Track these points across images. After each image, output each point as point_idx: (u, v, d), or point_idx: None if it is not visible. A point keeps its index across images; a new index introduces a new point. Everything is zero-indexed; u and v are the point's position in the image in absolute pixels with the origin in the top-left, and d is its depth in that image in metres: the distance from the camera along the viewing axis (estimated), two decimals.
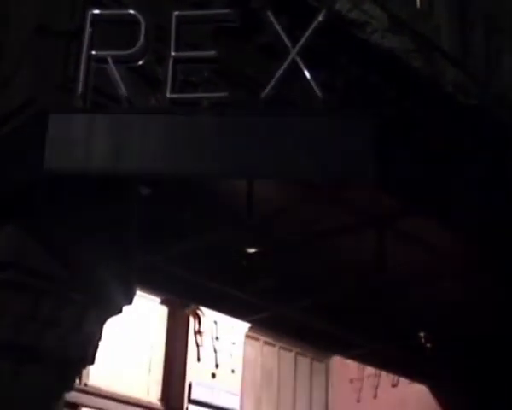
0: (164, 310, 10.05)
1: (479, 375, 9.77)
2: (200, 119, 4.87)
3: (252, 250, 7.26)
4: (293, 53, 4.73)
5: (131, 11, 5.09)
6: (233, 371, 10.05)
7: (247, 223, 6.73)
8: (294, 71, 4.79)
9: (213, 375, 9.87)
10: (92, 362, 6.07)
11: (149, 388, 9.79)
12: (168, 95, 4.88)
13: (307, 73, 4.74)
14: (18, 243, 5.57)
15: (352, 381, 11.73)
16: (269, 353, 11.26)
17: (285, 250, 7.49)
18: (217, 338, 9.90)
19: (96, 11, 5.05)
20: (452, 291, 8.31)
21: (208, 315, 9.78)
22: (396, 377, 11.09)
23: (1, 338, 5.60)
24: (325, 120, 4.76)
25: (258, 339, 10.96)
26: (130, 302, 6.12)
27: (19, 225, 5.53)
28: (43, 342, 5.66)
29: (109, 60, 4.97)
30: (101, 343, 6.15)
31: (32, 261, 5.60)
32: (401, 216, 7.12)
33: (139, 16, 5.04)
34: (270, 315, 8.92)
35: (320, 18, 4.80)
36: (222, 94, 4.92)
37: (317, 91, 4.72)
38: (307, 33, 4.78)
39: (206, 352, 9.82)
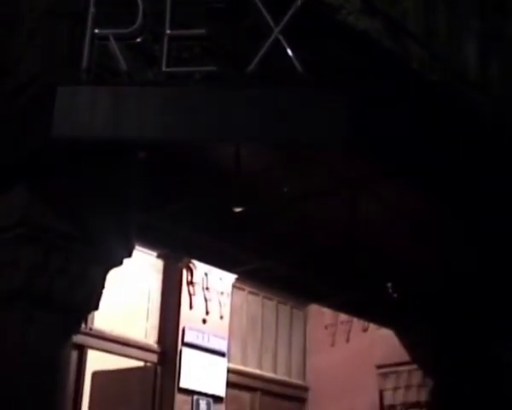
0: (160, 263, 10.06)
1: (438, 320, 9.85)
2: (192, 90, 4.87)
3: (238, 209, 7.25)
4: (276, 32, 4.73)
5: None
6: (221, 317, 10.08)
7: (234, 184, 6.71)
8: (277, 48, 4.79)
9: (204, 321, 9.89)
10: (96, 308, 6.09)
11: (147, 332, 9.83)
12: (163, 69, 4.88)
13: (289, 51, 4.74)
14: (31, 203, 5.57)
15: (327, 327, 11.78)
16: (253, 301, 11.30)
17: (268, 209, 7.50)
18: (207, 288, 9.92)
19: None
20: (417, 248, 8.35)
21: (199, 268, 9.79)
22: (366, 323, 11.13)
23: (16, 286, 5.62)
24: (304, 91, 4.77)
25: (243, 289, 10.99)
26: (129, 256, 6.14)
27: (31, 186, 5.53)
28: (53, 290, 5.67)
29: (111, 37, 4.97)
30: (104, 292, 6.17)
31: (43, 219, 5.60)
32: (373, 179, 7.13)
33: None
34: (254, 268, 8.93)
35: (299, 1, 4.80)
36: (211, 68, 4.92)
37: (298, 67, 4.72)
38: (288, 14, 4.77)
39: (197, 300, 9.84)
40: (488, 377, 10.12)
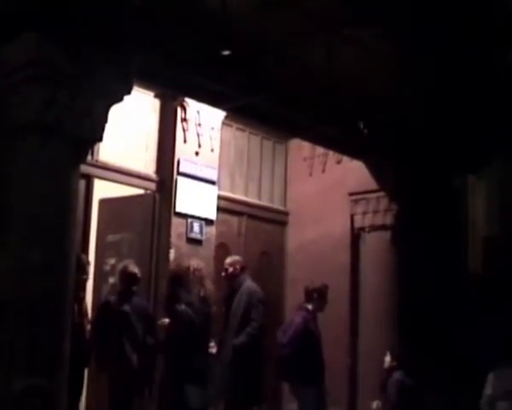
0: (157, 103, 10.01)
1: (402, 153, 9.98)
2: None
3: (226, 52, 7.18)
4: None
5: None
6: (212, 150, 10.09)
7: (221, 28, 6.61)
8: None
9: (197, 153, 9.92)
10: (100, 139, 6.15)
11: (146, 163, 9.89)
12: None
13: None
14: (40, 45, 5.54)
15: (305, 159, 11.79)
16: (240, 136, 11.31)
17: (253, 52, 7.42)
18: (199, 124, 9.89)
19: None
20: (387, 88, 8.35)
21: (192, 106, 9.73)
22: (340, 156, 11.17)
23: (28, 120, 5.66)
24: None
25: (231, 125, 10.97)
26: (129, 93, 6.15)
27: (40, 30, 5.48)
28: (62, 123, 5.71)
29: None
30: (108, 128, 6.22)
31: (52, 59, 5.58)
32: (348, 24, 7.04)
33: None
34: (241, 105, 8.90)
35: None
36: None
37: None
38: None
39: (190, 135, 9.83)
40: (442, 202, 10.36)
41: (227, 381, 8.58)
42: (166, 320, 8.58)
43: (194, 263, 8.84)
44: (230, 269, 8.89)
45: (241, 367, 8.55)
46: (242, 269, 8.97)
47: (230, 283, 8.91)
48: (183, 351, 7.90)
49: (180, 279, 8.23)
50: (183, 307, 8.01)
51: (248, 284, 8.95)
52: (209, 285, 8.85)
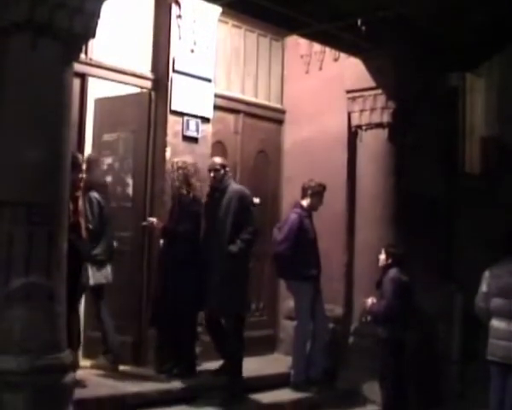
0: (151, 0, 9.82)
1: (401, 51, 9.88)
2: None
3: None
4: None
5: None
6: (207, 47, 9.93)
7: None
8: None
9: (192, 51, 9.76)
10: (93, 36, 6.10)
11: (142, 62, 9.77)
12: None
13: None
14: None
15: (302, 57, 11.62)
16: (236, 34, 11.11)
17: None
18: (194, 21, 9.71)
19: None
20: None
21: (187, 2, 9.53)
22: (337, 53, 11.03)
23: (20, 16, 5.59)
24: None
25: (227, 22, 10.76)
26: None
27: None
28: (54, 20, 5.64)
29: None
30: (102, 28, 6.14)
31: None
32: None
33: None
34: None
35: None
36: None
37: None
38: None
39: (185, 32, 9.65)
40: (440, 100, 10.32)
41: (218, 289, 8.38)
42: (153, 220, 8.72)
43: (179, 161, 8.78)
44: (222, 171, 8.75)
45: (238, 275, 8.43)
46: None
47: (216, 185, 8.72)
48: (90, 234, 8.19)
49: (89, 165, 8.55)
50: (93, 194, 8.45)
51: (235, 186, 8.84)
52: (196, 183, 8.74)
